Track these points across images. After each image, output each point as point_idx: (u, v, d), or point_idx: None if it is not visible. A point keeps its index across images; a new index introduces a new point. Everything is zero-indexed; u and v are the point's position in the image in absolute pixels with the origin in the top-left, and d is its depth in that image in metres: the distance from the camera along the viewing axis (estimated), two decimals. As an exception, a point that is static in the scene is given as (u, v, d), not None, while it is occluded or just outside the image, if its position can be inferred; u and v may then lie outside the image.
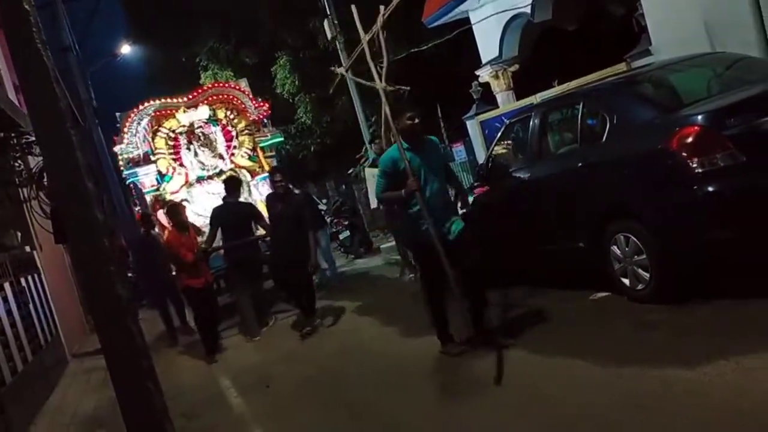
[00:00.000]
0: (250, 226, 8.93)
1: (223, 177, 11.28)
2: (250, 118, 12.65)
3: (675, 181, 4.72)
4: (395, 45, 15.34)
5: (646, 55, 8.57)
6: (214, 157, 12.28)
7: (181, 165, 12.15)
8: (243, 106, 12.62)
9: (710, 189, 4.49)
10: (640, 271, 5.16)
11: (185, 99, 12.31)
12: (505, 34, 12.20)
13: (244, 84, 13.08)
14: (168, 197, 11.63)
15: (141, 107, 12.03)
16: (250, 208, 9.38)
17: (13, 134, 8.50)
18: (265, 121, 13.14)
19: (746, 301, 4.53)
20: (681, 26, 7.93)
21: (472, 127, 12.96)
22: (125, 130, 11.96)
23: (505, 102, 12.71)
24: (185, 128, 12.16)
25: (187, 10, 21.48)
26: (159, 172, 12.05)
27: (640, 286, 5.21)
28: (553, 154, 6.37)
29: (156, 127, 12.08)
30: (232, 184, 9.33)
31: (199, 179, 12.17)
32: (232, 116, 12.58)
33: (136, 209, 13.31)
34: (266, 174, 11.62)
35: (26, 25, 3.84)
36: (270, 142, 13.11)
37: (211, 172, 12.24)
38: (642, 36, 8.94)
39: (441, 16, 13.04)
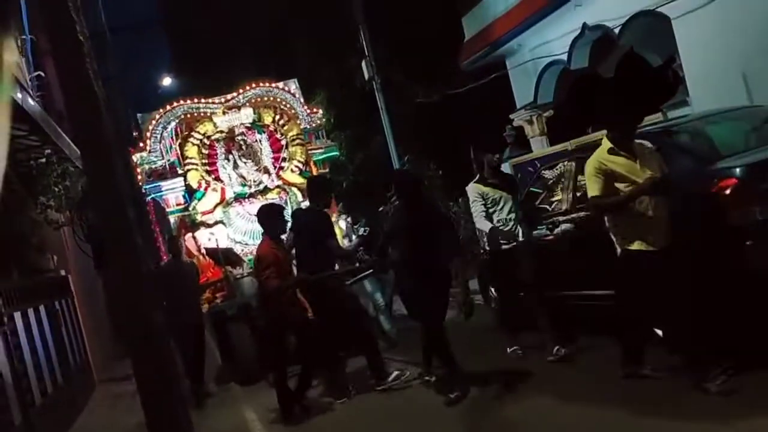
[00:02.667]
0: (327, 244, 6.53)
1: (271, 195, 9.90)
2: (302, 126, 10.60)
3: (711, 232, 4.68)
4: (428, 87, 15.64)
5: (682, 105, 8.57)
6: (258, 170, 10.19)
7: (217, 179, 10.04)
8: (293, 111, 10.55)
9: (747, 243, 4.45)
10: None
11: (223, 100, 10.31)
12: (541, 80, 12.29)
13: (294, 86, 10.81)
14: (198, 218, 9.82)
15: (168, 107, 10.13)
16: (324, 217, 6.80)
17: (54, 159, 8.74)
18: (319, 131, 11.18)
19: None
20: (719, 78, 7.94)
21: (505, 170, 12.98)
22: (148, 135, 9.97)
23: (539, 147, 12.74)
24: (223, 134, 10.13)
25: (227, 45, 22.03)
26: (188, 187, 9.96)
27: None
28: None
29: (187, 133, 10.05)
30: (316, 186, 7.01)
31: (238, 197, 10.06)
32: (281, 122, 10.49)
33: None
34: None
35: (79, 54, 3.98)
36: (325, 155, 11.07)
37: (253, 189, 10.13)
38: (679, 86, 8.95)
39: (478, 60, 13.20)
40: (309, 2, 18.44)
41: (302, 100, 10.73)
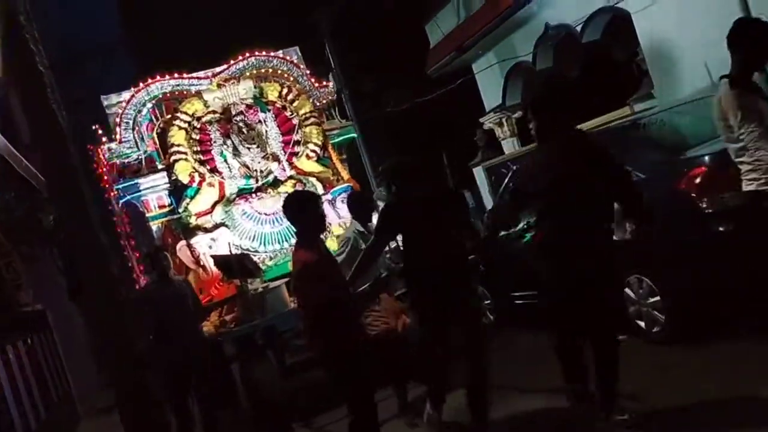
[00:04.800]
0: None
1: (284, 188, 7.95)
2: (314, 103, 8.62)
3: (685, 222, 4.74)
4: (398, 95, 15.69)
5: (648, 98, 8.68)
6: (264, 158, 8.13)
7: (214, 170, 7.97)
8: (300, 84, 8.56)
9: (720, 229, 4.51)
10: (654, 312, 5.14)
11: (210, 74, 8.20)
12: (507, 82, 12.38)
13: (295, 56, 8.86)
14: (193, 221, 7.73)
15: (142, 85, 7.90)
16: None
17: (25, 192, 8.64)
18: (331, 109, 9.15)
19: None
20: (682, 68, 8.05)
21: (479, 174, 13.06)
22: (117, 121, 7.78)
23: (511, 148, 12.83)
24: (218, 115, 8.06)
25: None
26: (176, 183, 7.84)
27: (656, 329, 5.17)
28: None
29: (170, 116, 7.96)
30: (356, 204, 6.06)
31: (243, 192, 7.99)
32: (290, 97, 8.42)
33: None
34: (345, 185, 8.18)
35: (40, 85, 3.94)
36: (342, 138, 9.12)
37: (260, 181, 8.06)
38: (644, 80, 9.07)
39: (444, 67, 13.27)
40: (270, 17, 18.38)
41: (308, 71, 8.76)
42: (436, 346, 4.44)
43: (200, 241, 7.57)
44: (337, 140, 8.94)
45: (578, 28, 9.98)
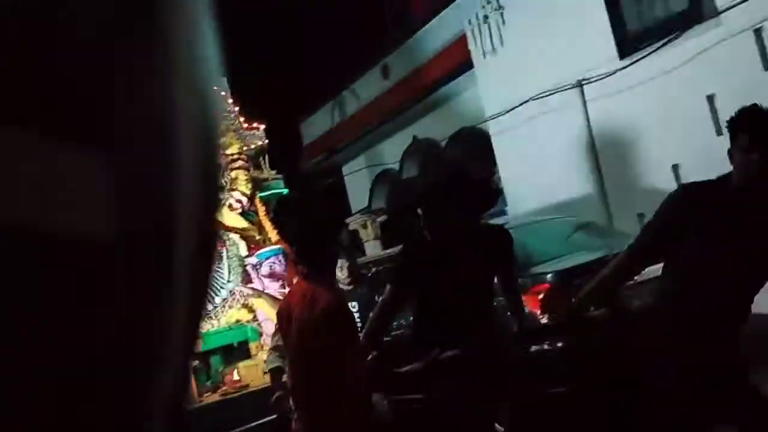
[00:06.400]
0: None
1: None
2: (243, 146, 7.25)
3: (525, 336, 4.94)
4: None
5: (501, 214, 9.19)
6: None
7: None
8: (225, 120, 7.00)
9: (559, 345, 4.73)
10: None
11: None
12: (374, 186, 12.75)
13: (222, 88, 6.99)
14: None
15: None
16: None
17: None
18: (260, 156, 7.78)
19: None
20: (532, 189, 8.63)
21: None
22: None
23: (372, 250, 13.03)
24: None
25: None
26: None
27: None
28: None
29: None
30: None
31: None
32: None
33: None
34: (275, 248, 6.78)
35: None
36: (271, 192, 7.74)
37: None
38: (498, 197, 9.62)
39: (317, 165, 13.52)
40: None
41: (236, 108, 7.39)
42: None
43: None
44: (265, 194, 7.53)
45: (443, 144, 10.56)
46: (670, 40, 6.80)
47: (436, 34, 10.37)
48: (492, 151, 9.42)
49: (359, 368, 2.95)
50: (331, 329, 2.83)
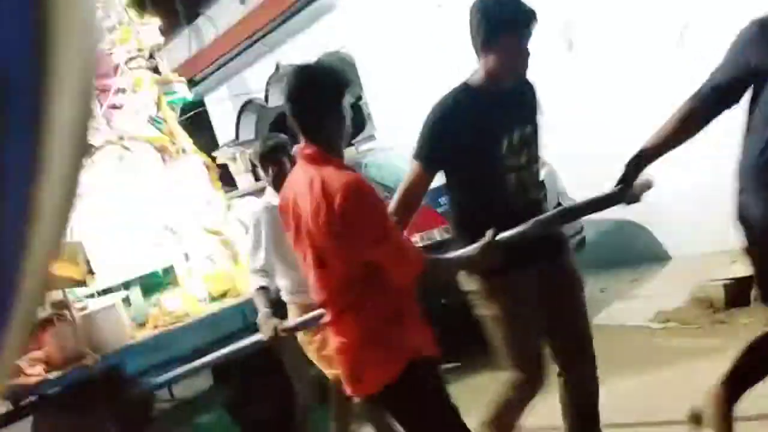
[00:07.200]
0: None
1: (100, 157, 5.40)
2: (138, 39, 6.00)
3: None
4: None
5: (371, 139, 9.26)
6: None
7: None
8: (114, 13, 5.97)
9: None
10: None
11: None
12: (241, 117, 12.42)
13: None
14: None
15: None
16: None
17: None
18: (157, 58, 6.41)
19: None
20: (400, 113, 8.72)
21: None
22: None
23: (245, 183, 12.80)
24: None
25: None
26: None
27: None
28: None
29: None
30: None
31: None
32: (105, 23, 5.84)
33: None
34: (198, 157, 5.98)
35: None
36: (179, 96, 6.65)
37: None
38: (367, 122, 9.67)
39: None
40: None
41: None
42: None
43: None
44: (172, 98, 6.35)
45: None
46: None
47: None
48: (358, 77, 9.38)
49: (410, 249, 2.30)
50: (360, 211, 2.16)
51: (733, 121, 2.51)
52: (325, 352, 3.35)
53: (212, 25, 12.02)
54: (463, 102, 2.68)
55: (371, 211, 2.19)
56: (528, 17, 2.59)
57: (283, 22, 10.51)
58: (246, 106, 12.25)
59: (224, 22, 11.65)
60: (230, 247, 5.41)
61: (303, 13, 10.23)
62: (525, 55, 2.65)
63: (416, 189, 2.70)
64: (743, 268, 4.33)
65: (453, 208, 2.92)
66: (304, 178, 2.29)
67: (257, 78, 11.56)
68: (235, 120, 12.47)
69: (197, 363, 4.01)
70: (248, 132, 12.62)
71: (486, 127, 2.68)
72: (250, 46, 10.91)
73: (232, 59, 11.70)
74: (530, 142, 2.77)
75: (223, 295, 5.27)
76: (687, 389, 3.31)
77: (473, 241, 2.39)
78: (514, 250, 2.41)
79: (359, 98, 9.81)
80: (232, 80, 12.29)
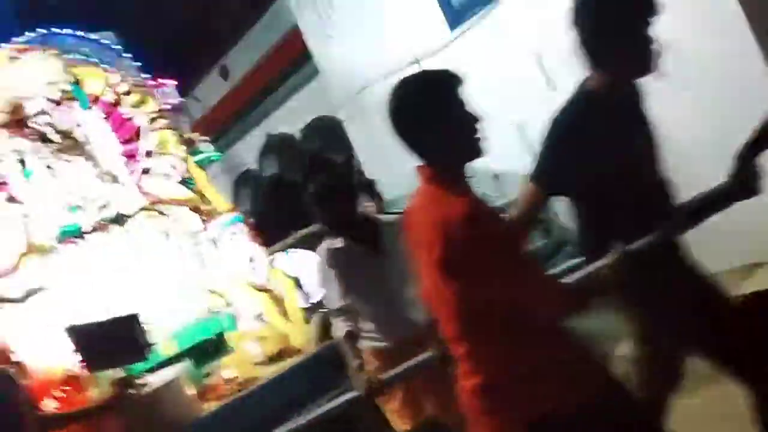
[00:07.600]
0: None
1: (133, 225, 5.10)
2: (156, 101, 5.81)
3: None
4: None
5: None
6: (98, 177, 5.21)
7: (13, 200, 4.88)
8: (131, 78, 5.71)
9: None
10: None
11: None
12: (237, 188, 12.49)
13: (108, 41, 5.88)
14: None
15: None
16: None
17: None
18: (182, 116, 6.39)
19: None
20: (390, 170, 8.78)
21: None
22: None
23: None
24: (6, 115, 4.92)
25: None
26: None
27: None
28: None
29: None
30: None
31: (67, 235, 4.95)
32: (122, 87, 5.52)
33: None
34: (234, 215, 5.67)
35: None
36: (205, 155, 6.57)
37: (95, 216, 5.09)
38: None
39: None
40: None
41: (135, 64, 5.96)
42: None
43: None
44: (199, 158, 6.10)
45: (298, 137, 10.50)
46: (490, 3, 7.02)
47: (270, 27, 10.21)
48: (347, 138, 9.47)
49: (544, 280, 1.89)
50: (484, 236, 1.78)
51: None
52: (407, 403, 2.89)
53: (198, 102, 12.20)
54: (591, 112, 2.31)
55: (485, 242, 1.78)
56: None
57: (268, 93, 10.67)
58: (241, 177, 12.34)
59: (210, 100, 11.83)
60: (280, 304, 5.17)
61: (287, 82, 10.39)
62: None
63: (534, 213, 2.34)
64: (754, 285, 4.29)
65: (585, 227, 2.46)
66: (419, 205, 2.03)
67: (249, 149, 11.69)
68: (231, 192, 12.56)
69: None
70: (245, 203, 12.70)
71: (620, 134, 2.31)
72: (237, 120, 11.06)
73: (221, 135, 11.84)
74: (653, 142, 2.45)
75: (279, 354, 4.96)
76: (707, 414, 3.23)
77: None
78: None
79: (351, 156, 9.88)
80: (224, 155, 12.43)
